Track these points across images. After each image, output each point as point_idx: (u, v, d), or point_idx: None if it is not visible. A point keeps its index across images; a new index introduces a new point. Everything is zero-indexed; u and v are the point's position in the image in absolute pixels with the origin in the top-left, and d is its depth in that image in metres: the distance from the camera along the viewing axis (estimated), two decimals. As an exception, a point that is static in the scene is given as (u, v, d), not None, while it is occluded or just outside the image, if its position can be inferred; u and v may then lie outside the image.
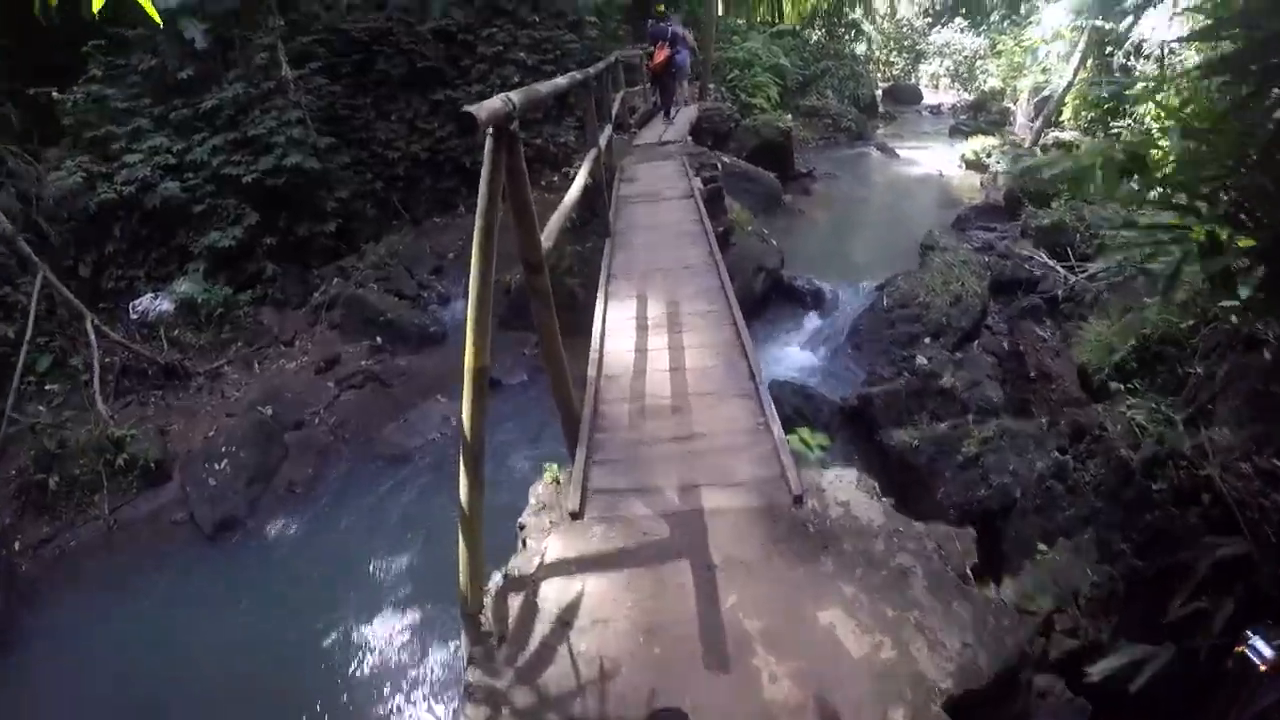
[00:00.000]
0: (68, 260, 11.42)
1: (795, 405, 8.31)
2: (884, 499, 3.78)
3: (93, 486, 8.50)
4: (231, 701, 6.07)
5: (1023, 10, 23.48)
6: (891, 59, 37.19)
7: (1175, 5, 14.21)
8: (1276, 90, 3.34)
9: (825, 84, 26.94)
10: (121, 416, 9.45)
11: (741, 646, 2.93)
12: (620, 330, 5.64)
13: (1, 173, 10.99)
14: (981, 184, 18.39)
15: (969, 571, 3.76)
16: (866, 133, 25.59)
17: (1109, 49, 17.02)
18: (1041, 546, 4.83)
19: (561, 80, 5.21)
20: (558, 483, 3.97)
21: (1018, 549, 5.55)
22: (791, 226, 15.32)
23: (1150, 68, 14.92)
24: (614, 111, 11.02)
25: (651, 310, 5.94)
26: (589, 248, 9.38)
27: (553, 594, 3.23)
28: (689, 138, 13.40)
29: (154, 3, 9.72)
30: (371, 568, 7.36)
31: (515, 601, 3.21)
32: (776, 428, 4.06)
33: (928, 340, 9.94)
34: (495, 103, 2.82)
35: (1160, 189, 3.80)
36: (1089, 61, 18.19)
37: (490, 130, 2.87)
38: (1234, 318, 5.95)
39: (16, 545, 7.95)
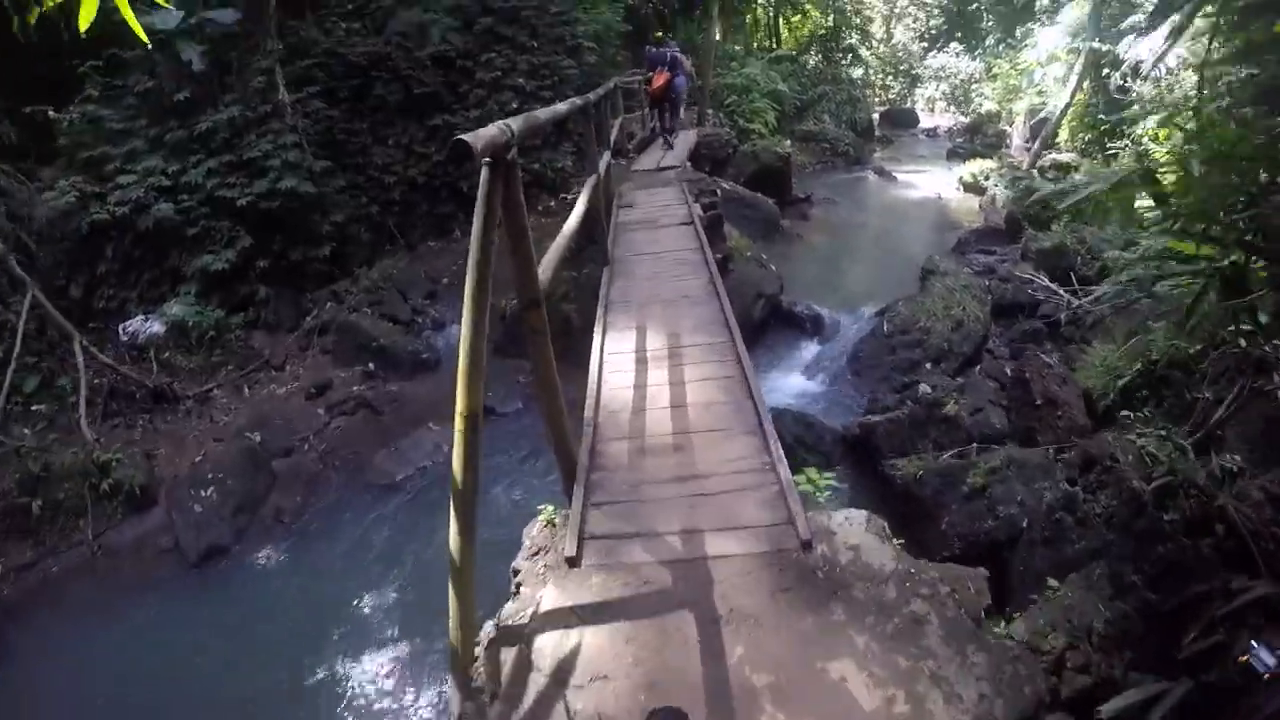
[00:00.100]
0: (59, 280, 11.29)
1: (796, 434, 8.18)
2: (894, 540, 3.64)
3: (77, 511, 8.35)
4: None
5: (1018, 34, 23.53)
6: (888, 83, 37.38)
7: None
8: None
9: (822, 108, 26.99)
10: (108, 439, 9.29)
11: (749, 703, 2.77)
12: (619, 364, 5.46)
13: (-6, 192, 10.88)
14: (980, 207, 18.38)
15: (983, 614, 3.63)
16: (864, 157, 25.63)
17: (1105, 71, 17.02)
18: (1052, 582, 4.66)
19: (561, 106, 5.06)
20: (553, 525, 3.81)
21: (1026, 581, 5.41)
22: (790, 252, 15.23)
23: (1148, 89, 14.90)
24: (613, 137, 10.93)
25: (651, 342, 5.76)
26: (585, 274, 9.27)
27: (548, 647, 3.06)
28: (688, 164, 13.29)
29: (152, 24, 9.64)
30: (359, 601, 7.18)
31: (509, 655, 3.05)
32: (783, 468, 3.88)
33: (929, 366, 9.82)
34: (492, 130, 2.67)
35: (1175, 216, 3.66)
36: (1086, 83, 18.22)
37: (487, 160, 2.72)
38: (1243, 341, 5.85)
39: (-1, 569, 7.78)
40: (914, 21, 38.77)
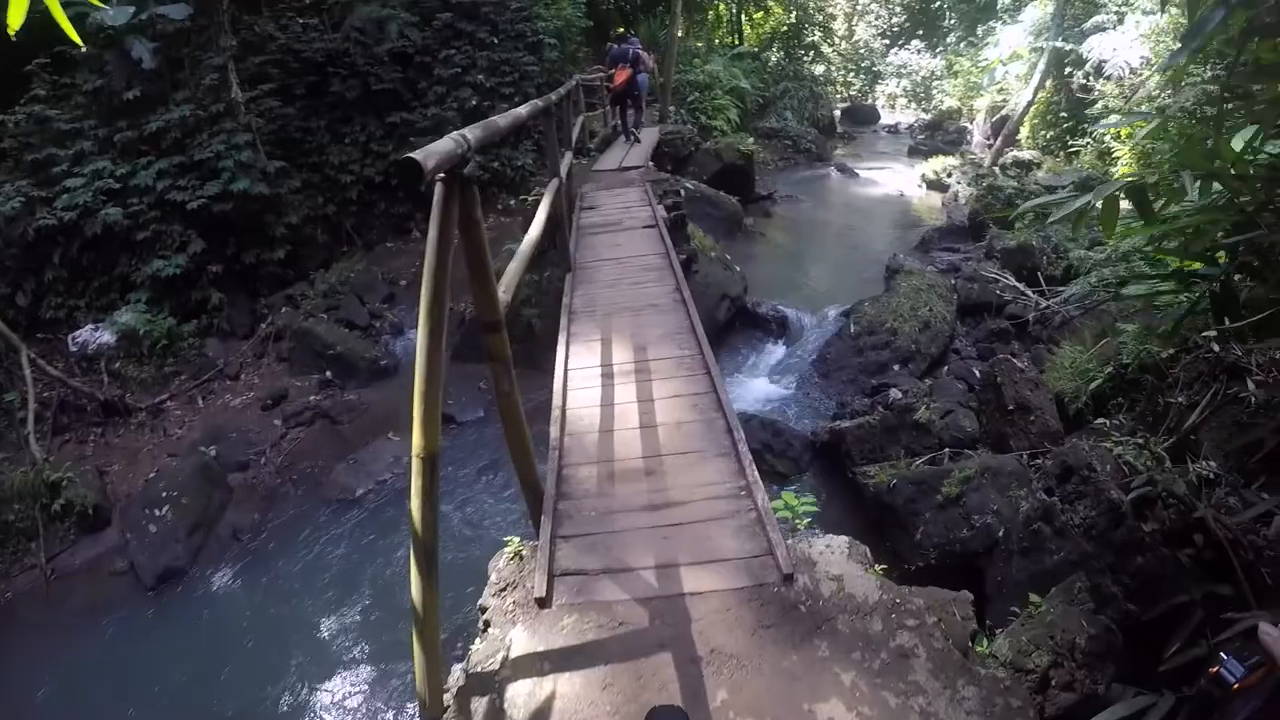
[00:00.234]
0: (4, 289, 10.87)
1: (764, 440, 8.06)
2: (876, 565, 3.49)
3: (28, 533, 8.04)
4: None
5: (979, 32, 23.64)
6: (849, 79, 37.42)
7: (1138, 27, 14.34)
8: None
9: (784, 105, 26.94)
10: (59, 456, 8.98)
11: (734, 753, 2.61)
12: (584, 380, 5.24)
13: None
14: (943, 204, 18.41)
15: (970, 642, 3.51)
16: (826, 153, 25.60)
17: (1068, 70, 17.12)
18: (1034, 598, 4.55)
19: (522, 110, 4.78)
20: (520, 558, 3.61)
21: (1004, 591, 5.34)
22: (753, 251, 15.10)
23: (1111, 88, 14.98)
24: (574, 136, 10.71)
25: (617, 356, 5.55)
26: (547, 277, 9.07)
27: (521, 697, 2.86)
28: (650, 163, 13.11)
29: (101, 20, 9.25)
30: (320, 623, 6.93)
31: (480, 705, 2.86)
32: (760, 494, 3.71)
33: (897, 368, 9.75)
34: (446, 144, 2.43)
35: (1174, 233, 3.55)
36: (1048, 82, 18.32)
37: (441, 176, 2.50)
38: (1216, 346, 5.81)
39: (-53, 595, 7.45)
40: (876, 18, 38.93)
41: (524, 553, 3.64)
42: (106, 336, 10.59)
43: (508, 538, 3.75)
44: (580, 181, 11.20)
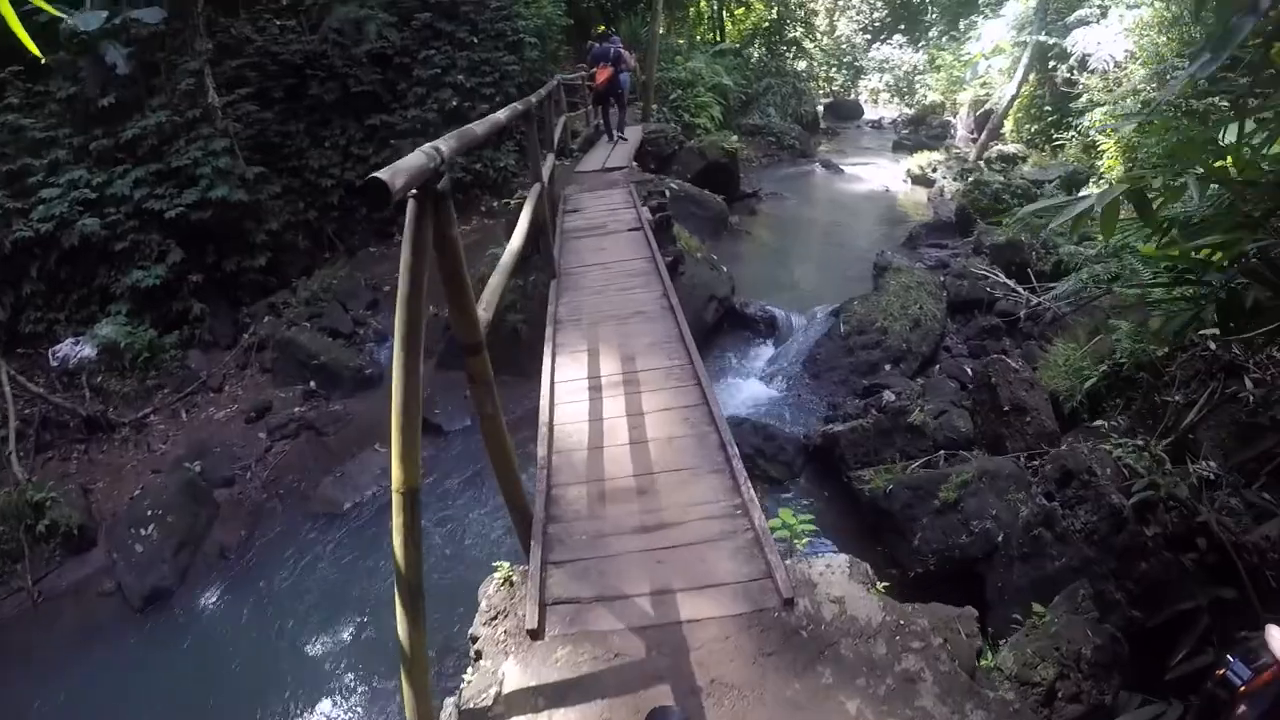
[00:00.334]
0: (-18, 304, 10.68)
1: (756, 445, 7.95)
2: (879, 584, 3.38)
3: (14, 556, 7.93)
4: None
5: (961, 26, 23.60)
6: (832, 75, 37.33)
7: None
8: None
9: (768, 102, 26.83)
10: (42, 474, 8.86)
11: (740, 791, 2.49)
12: (571, 394, 5.08)
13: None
14: (929, 199, 18.33)
15: (977, 662, 3.41)
16: (810, 150, 25.51)
17: (1052, 64, 17.07)
18: (1038, 608, 4.45)
19: (500, 115, 4.60)
20: (510, 583, 3.48)
21: (1005, 597, 5.27)
22: (740, 250, 14.98)
23: (1095, 81, 14.93)
24: (556, 138, 10.55)
25: (605, 367, 5.40)
26: (532, 281, 8.93)
27: (515, 735, 2.74)
28: (634, 163, 12.97)
29: (74, 26, 9.07)
30: (310, 641, 6.80)
31: (471, 746, 2.73)
32: (756, 513, 3.57)
33: (888, 367, 9.66)
34: (417, 159, 2.27)
35: (1182, 235, 3.45)
36: (1032, 75, 18.28)
37: (413, 193, 2.35)
38: (1212, 345, 5.74)
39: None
40: (857, 13, 38.82)
41: (514, 578, 3.50)
42: (87, 350, 10.42)
43: (497, 563, 3.62)
44: (563, 183, 11.06)
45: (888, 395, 8.38)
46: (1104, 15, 15.22)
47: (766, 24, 30.79)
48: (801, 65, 31.97)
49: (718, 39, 28.96)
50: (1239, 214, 2.88)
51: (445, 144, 2.53)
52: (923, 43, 31.13)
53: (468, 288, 2.89)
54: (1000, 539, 5.55)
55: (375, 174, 1.92)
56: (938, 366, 9.80)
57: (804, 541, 4.10)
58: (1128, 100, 13.41)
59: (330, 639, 6.76)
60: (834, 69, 37.24)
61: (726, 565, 3.39)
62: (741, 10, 31.17)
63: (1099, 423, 6.01)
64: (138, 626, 7.29)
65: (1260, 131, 3.54)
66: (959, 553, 5.76)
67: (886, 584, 3.43)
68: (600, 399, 4.96)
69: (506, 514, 3.82)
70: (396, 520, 2.45)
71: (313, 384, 10.44)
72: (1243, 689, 1.04)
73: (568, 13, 18.71)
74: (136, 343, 10.58)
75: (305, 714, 6.08)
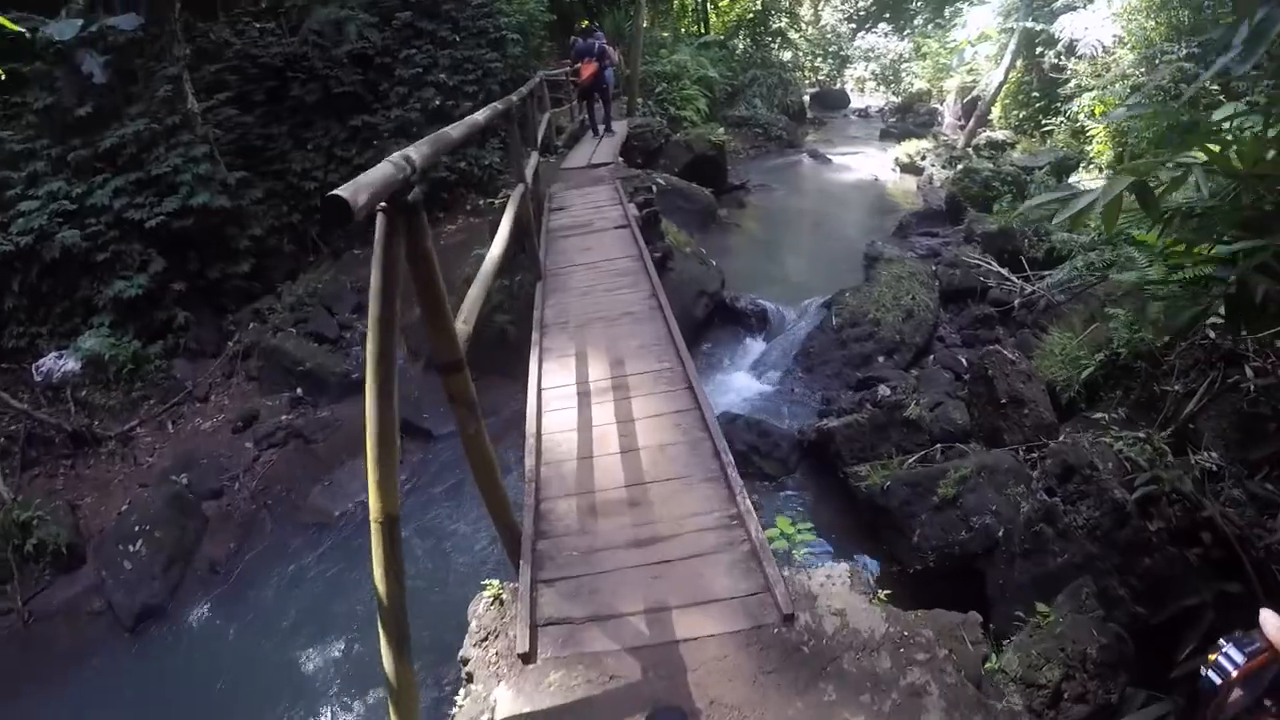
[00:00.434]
0: (-37, 321, 10.54)
1: (750, 442, 7.86)
2: (880, 593, 3.27)
3: (2, 576, 7.84)
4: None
5: (946, 13, 23.45)
6: (817, 64, 37.15)
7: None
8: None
9: (753, 93, 26.68)
10: (29, 491, 8.76)
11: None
12: (559, 401, 4.94)
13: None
14: (918, 187, 18.24)
15: (983, 670, 3.32)
16: (797, 140, 25.39)
17: (1040, 50, 16.96)
18: (1042, 608, 4.37)
19: (479, 116, 4.43)
20: (500, 602, 3.36)
21: (1007, 594, 5.17)
22: (728, 243, 14.86)
23: (1084, 67, 14.83)
24: (540, 135, 10.40)
25: (593, 371, 5.27)
26: (518, 281, 8.79)
27: (507, 768, 2.62)
28: (620, 158, 12.84)
29: (49, 35, 8.90)
30: (302, 656, 6.71)
31: (463, 779, 2.62)
32: (753, 523, 3.46)
33: (882, 359, 9.57)
34: (384, 170, 2.12)
35: (1166, 226, 3.35)
36: (1019, 62, 18.16)
37: (382, 206, 2.20)
38: (1212, 333, 5.64)
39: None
40: (842, 2, 38.60)
41: (504, 597, 3.39)
42: (71, 364, 10.29)
43: (486, 581, 3.50)
44: (548, 181, 10.92)
45: (883, 389, 8.27)
46: (1091, 0, 15.10)
47: (751, 15, 30.65)
48: (787, 56, 31.85)
49: (702, 31, 28.80)
50: (1245, 207, 2.78)
51: (417, 151, 2.40)
52: (908, 31, 30.95)
53: (445, 304, 2.76)
54: (1001, 535, 5.45)
55: (336, 191, 1.78)
56: (932, 357, 9.70)
57: (802, 552, 3.99)
58: (1116, 85, 13.32)
59: (323, 653, 6.67)
60: (819, 58, 37.06)
61: (723, 580, 3.28)
62: (725, 2, 31.02)
63: (1099, 415, 5.91)
64: (129, 646, 7.20)
65: (1250, 116, 3.45)
66: (959, 549, 5.66)
67: (889, 591, 3.33)
68: (589, 406, 4.83)
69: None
70: (376, 551, 2.33)
71: (299, 391, 10.31)
72: (1236, 674, 1.03)
73: (550, 8, 18.57)
74: (121, 354, 10.44)
75: (299, 732, 5.98)
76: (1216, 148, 2.77)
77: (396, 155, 2.26)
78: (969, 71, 20.86)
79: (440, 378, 2.99)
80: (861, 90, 36.92)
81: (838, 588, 3.23)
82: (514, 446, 7.42)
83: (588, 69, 13.02)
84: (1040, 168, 14.57)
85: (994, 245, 11.77)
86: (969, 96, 20.93)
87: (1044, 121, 17.02)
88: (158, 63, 11.94)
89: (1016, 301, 9.87)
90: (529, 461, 4.23)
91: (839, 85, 37.48)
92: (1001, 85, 18.59)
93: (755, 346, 10.99)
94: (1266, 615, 1.05)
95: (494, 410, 8.91)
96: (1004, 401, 6.66)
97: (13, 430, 9.38)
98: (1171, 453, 5.06)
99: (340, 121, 14.25)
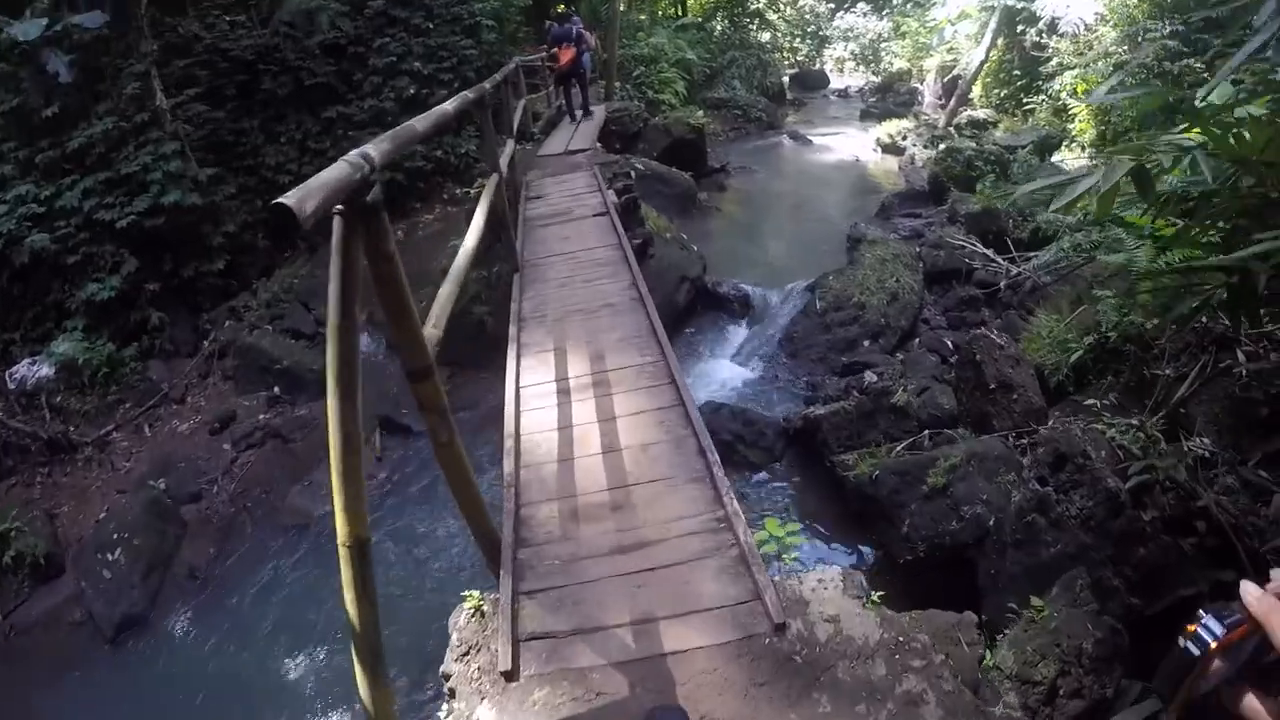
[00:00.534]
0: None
1: (735, 430, 7.77)
2: (874, 595, 3.17)
3: (-20, 590, 7.65)
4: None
5: (925, -8, 23.34)
6: (796, 45, 36.87)
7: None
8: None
9: (732, 74, 26.45)
10: (6, 501, 8.59)
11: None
12: (538, 400, 4.80)
13: None
14: (900, 168, 18.13)
15: (979, 670, 3.24)
16: (777, 121, 25.20)
17: (1020, 28, 16.86)
18: (1036, 601, 4.28)
19: (448, 106, 4.19)
20: (481, 614, 3.24)
21: (999, 584, 5.10)
22: (710, 227, 14.71)
23: (1065, 45, 14.75)
24: (516, 122, 10.20)
25: (573, 367, 5.12)
26: (495, 272, 8.66)
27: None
28: (598, 144, 12.66)
29: (14, 34, 8.67)
30: (284, 660, 6.60)
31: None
32: (741, 528, 3.33)
33: (867, 343, 9.48)
34: (339, 170, 1.95)
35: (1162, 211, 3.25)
36: (1000, 40, 18.06)
37: (339, 209, 2.04)
38: (1204, 317, 5.56)
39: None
40: (820, -18, 38.36)
41: (485, 608, 3.26)
42: (45, 369, 10.10)
43: (466, 591, 3.38)
44: (525, 168, 10.75)
45: (869, 376, 8.18)
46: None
47: (729, -4, 30.39)
48: (765, 37, 31.59)
49: (680, 13, 28.52)
50: (1245, 193, 2.68)
51: (376, 148, 2.23)
52: (887, 10, 30.78)
53: (411, 309, 2.60)
54: (992, 524, 5.36)
55: (281, 198, 1.63)
56: (917, 340, 9.62)
57: (792, 556, 3.88)
58: (1099, 63, 13.24)
59: (304, 660, 6.55)
60: (798, 39, 36.78)
61: (711, 587, 3.16)
62: (702, -17, 30.74)
63: (1090, 402, 5.83)
64: (110, 657, 7.07)
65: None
66: (950, 539, 5.56)
67: (881, 592, 3.22)
68: (569, 403, 4.69)
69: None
70: (346, 575, 2.22)
71: (276, 389, 10.12)
72: (1216, 644, 0.98)
73: (526, -8, 18.32)
74: (95, 358, 10.27)
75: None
76: (1218, 130, 2.66)
77: (353, 153, 2.10)
78: (949, 50, 20.77)
79: (410, 387, 2.84)
80: (841, 70, 36.69)
81: (830, 592, 3.13)
82: (493, 442, 7.31)
83: (566, 54, 12.84)
84: (1023, 147, 14.50)
85: (978, 226, 11.68)
86: (949, 75, 20.85)
87: (1026, 100, 16.97)
88: (125, 60, 11.67)
89: (1002, 283, 9.79)
90: (508, 465, 4.09)
91: (818, 66, 37.23)
92: (982, 64, 18.50)
93: (738, 332, 10.88)
94: (1247, 586, 1.02)
95: (473, 404, 8.81)
96: (993, 387, 6.56)
97: (-11, 440, 9.17)
98: (1164, 439, 4.99)
99: (313, 114, 13.99)
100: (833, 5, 36.79)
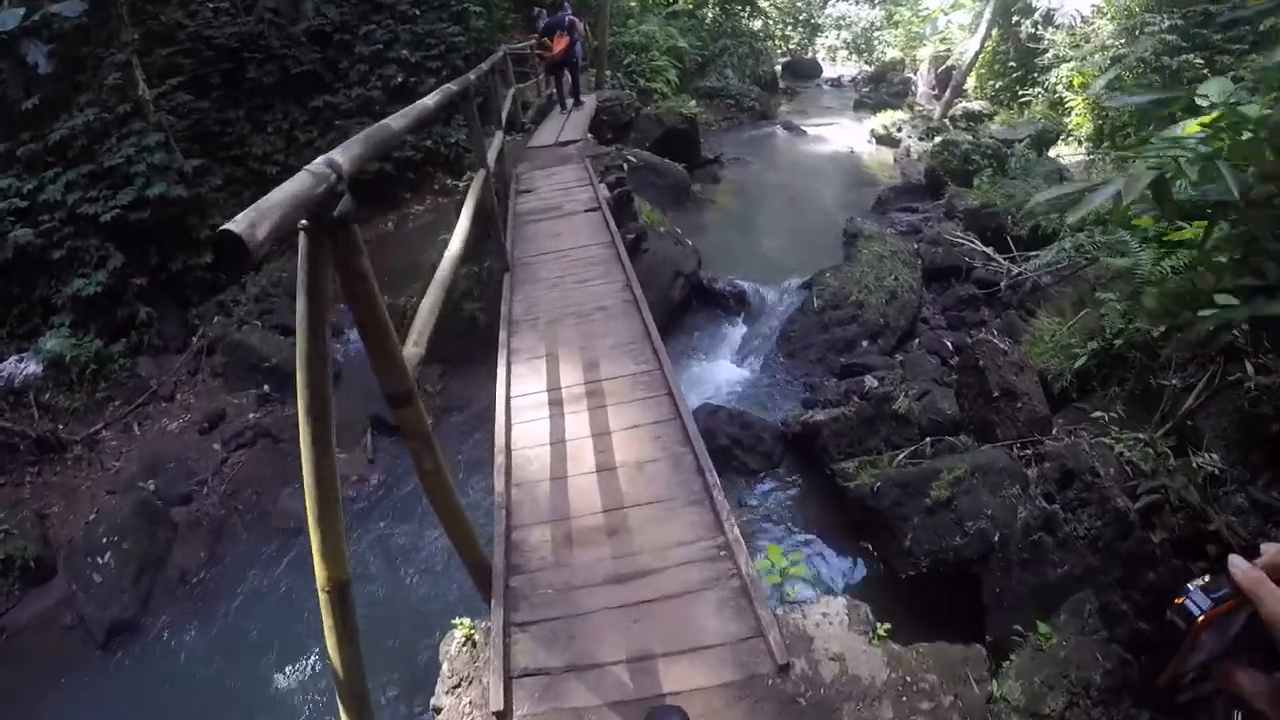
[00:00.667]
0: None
1: (732, 434, 7.61)
2: (881, 633, 3.02)
3: (-28, 595, 7.52)
4: None
5: (919, -19, 23.13)
6: (788, 33, 36.63)
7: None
8: None
9: (724, 63, 26.19)
10: (-5, 502, 8.41)
11: None
12: (529, 412, 4.64)
13: None
14: (895, 160, 17.97)
15: (987, 707, 3.10)
16: (770, 111, 25.01)
17: (1016, 19, 16.69)
18: (1043, 628, 4.14)
19: (429, 100, 3.89)
20: (473, 644, 3.09)
21: (1004, 604, 4.97)
22: (704, 220, 14.53)
23: (1061, 36, 14.59)
24: (505, 112, 9.97)
25: (566, 376, 4.96)
26: (486, 268, 8.48)
27: None
28: (589, 135, 12.46)
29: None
30: (276, 666, 6.45)
31: None
32: (743, 557, 3.19)
33: (865, 344, 9.33)
34: (300, 182, 1.74)
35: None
36: (995, 31, 17.89)
37: (304, 224, 1.83)
38: (1211, 326, 5.42)
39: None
40: (813, -30, 38.10)
41: (476, 638, 3.12)
42: (32, 367, 9.94)
43: (457, 620, 3.23)
44: (514, 160, 10.53)
45: (869, 381, 8.02)
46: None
47: (720, -18, 30.08)
48: (757, 24, 31.32)
49: (671, 0, 28.26)
50: (1260, 202, 2.54)
51: (344, 154, 2.00)
52: (879, -1, 30.64)
53: (388, 329, 2.43)
54: (997, 540, 5.23)
55: (228, 224, 1.44)
56: (916, 340, 9.47)
57: (795, 590, 3.73)
58: (1096, 56, 13.08)
59: (296, 665, 6.42)
60: (790, 27, 36.54)
61: (712, 622, 3.03)
62: (694, -30, 30.42)
63: (1097, 414, 5.68)
64: (102, 662, 6.94)
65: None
66: (954, 555, 5.42)
67: (888, 625, 3.08)
68: (562, 415, 4.54)
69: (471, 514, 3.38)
70: (327, 621, 2.11)
71: (266, 387, 9.94)
72: (1202, 619, 0.89)
73: (514, -21, 18.10)
74: (83, 355, 10.10)
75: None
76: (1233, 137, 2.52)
77: (318, 161, 1.88)
78: (942, 40, 20.59)
79: (392, 412, 2.68)
80: (833, 59, 36.48)
81: (835, 628, 2.99)
82: (484, 446, 7.14)
83: (560, 43, 12.63)
84: (1020, 140, 14.34)
85: (976, 222, 11.53)
86: (943, 66, 20.67)
87: (1021, 92, 16.83)
88: (106, 49, 11.49)
89: (1003, 283, 9.64)
90: (499, 482, 3.94)
91: (810, 54, 36.97)
92: (977, 55, 18.34)
93: (735, 330, 10.70)
94: (1234, 560, 0.94)
95: (465, 403, 8.67)
96: (996, 394, 6.42)
97: (-25, 440, 9.01)
98: (1172, 455, 4.85)
99: (300, 103, 13.83)
100: (826, -8, 36.57)
